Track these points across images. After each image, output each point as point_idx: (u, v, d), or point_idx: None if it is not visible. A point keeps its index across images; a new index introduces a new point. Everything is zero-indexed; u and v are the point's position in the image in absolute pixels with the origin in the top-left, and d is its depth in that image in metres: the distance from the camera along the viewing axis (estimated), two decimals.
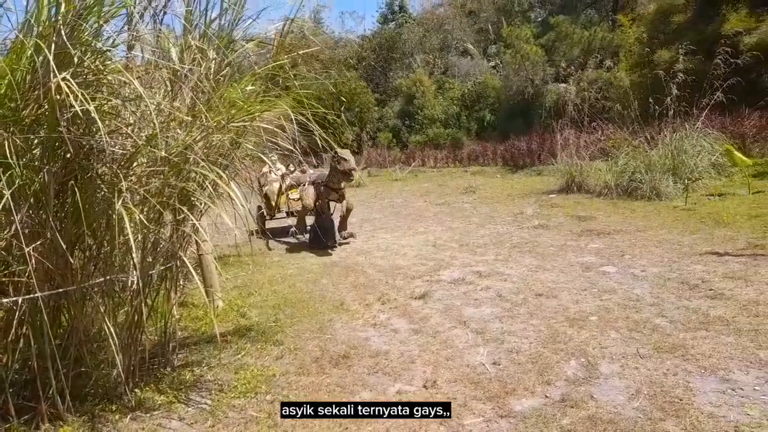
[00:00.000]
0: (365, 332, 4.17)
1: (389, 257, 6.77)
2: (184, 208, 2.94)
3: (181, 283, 3.60)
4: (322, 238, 7.44)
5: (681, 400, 2.74)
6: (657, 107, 10.80)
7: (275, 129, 2.97)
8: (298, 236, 8.44)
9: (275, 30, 3.34)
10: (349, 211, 7.82)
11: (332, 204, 7.90)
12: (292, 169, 9.47)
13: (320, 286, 5.70)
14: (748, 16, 16.41)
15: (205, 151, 2.95)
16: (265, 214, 8.83)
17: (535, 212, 9.07)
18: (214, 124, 2.76)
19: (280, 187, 8.94)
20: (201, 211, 3.29)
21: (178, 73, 2.89)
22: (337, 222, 7.91)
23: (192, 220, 3.02)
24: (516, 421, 2.71)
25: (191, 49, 3.01)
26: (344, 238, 7.88)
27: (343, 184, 7.36)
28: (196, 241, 3.91)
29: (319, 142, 3.27)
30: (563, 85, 23.21)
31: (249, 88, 3.22)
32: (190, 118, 2.82)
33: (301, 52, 3.40)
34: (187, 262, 2.88)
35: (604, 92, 20.57)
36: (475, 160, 20.40)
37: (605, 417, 2.66)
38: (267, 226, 8.72)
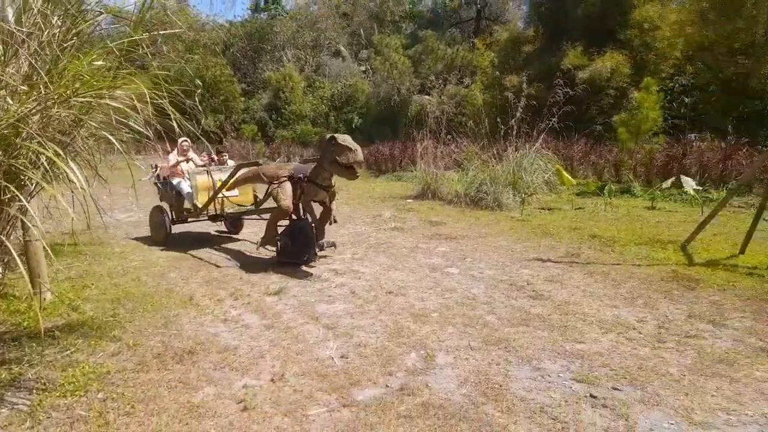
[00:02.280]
0: (214, 328, 4.07)
1: (244, 251, 6.63)
2: (12, 186, 2.62)
3: (0, 271, 3.20)
4: (296, 249, 5.87)
5: (500, 386, 3.12)
6: (504, 126, 11.99)
7: (127, 109, 2.77)
8: (266, 247, 6.40)
9: (134, 3, 3.13)
10: (330, 213, 6.19)
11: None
12: (216, 158, 7.94)
13: (168, 280, 5.41)
14: (583, 54, 18.88)
15: (41, 125, 2.67)
16: (170, 216, 7.15)
17: (393, 215, 9.51)
18: (55, 96, 2.51)
19: (211, 181, 7.04)
20: (31, 192, 2.96)
21: (14, 36, 2.58)
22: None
23: (20, 201, 2.71)
24: (357, 409, 2.87)
25: (32, 12, 2.71)
26: (321, 249, 6.22)
27: (334, 181, 5.88)
28: (23, 225, 3.50)
29: (176, 126, 3.13)
30: (427, 96, 24.61)
31: (98, 63, 2.97)
32: (25, 88, 2.53)
33: (162, 33, 3.23)
34: (10, 247, 2.57)
35: (461, 108, 22.23)
36: None
37: (437, 403, 2.93)
38: (171, 231, 7.09)
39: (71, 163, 2.43)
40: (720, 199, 7.92)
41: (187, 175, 7.15)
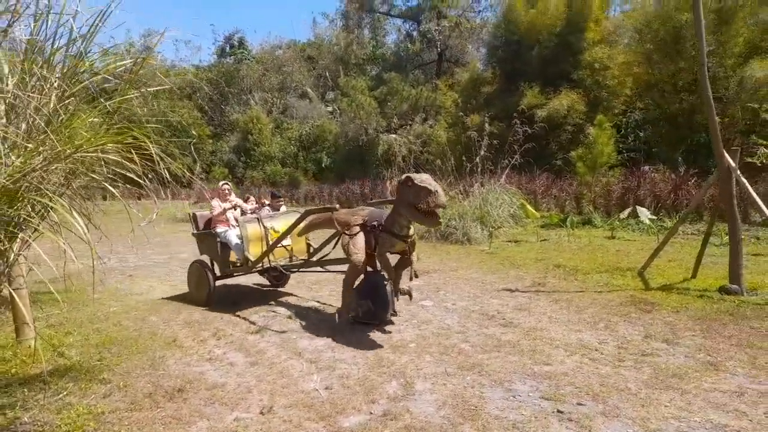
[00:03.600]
0: (200, 366, 4.20)
1: (224, 294, 6.75)
2: (8, 236, 2.79)
3: None
4: (375, 309, 5.15)
5: (476, 407, 3.36)
6: (469, 163, 12.54)
7: (122, 160, 3.00)
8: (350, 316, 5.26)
9: (125, 65, 3.40)
10: (409, 265, 5.11)
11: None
12: (265, 202, 7.14)
13: (149, 323, 5.50)
14: (540, 94, 19.92)
15: (42, 179, 2.87)
16: (215, 270, 6.32)
17: None
18: (61, 150, 2.73)
19: (263, 229, 6.15)
20: (28, 242, 3.12)
21: (17, 99, 2.80)
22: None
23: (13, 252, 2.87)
24: None
25: (32, 76, 2.95)
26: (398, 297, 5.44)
27: (413, 230, 4.97)
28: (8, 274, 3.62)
29: (165, 175, 3.36)
30: (394, 135, 25.36)
31: (93, 120, 3.21)
32: (30, 145, 2.74)
33: (151, 89, 3.50)
34: (14, 295, 2.71)
35: (426, 146, 22.96)
36: (312, 200, 20.93)
37: (418, 425, 3.14)
38: (214, 288, 6.22)
39: (74, 213, 2.63)
40: (670, 227, 8.50)
41: (233, 223, 6.35)
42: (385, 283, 5.22)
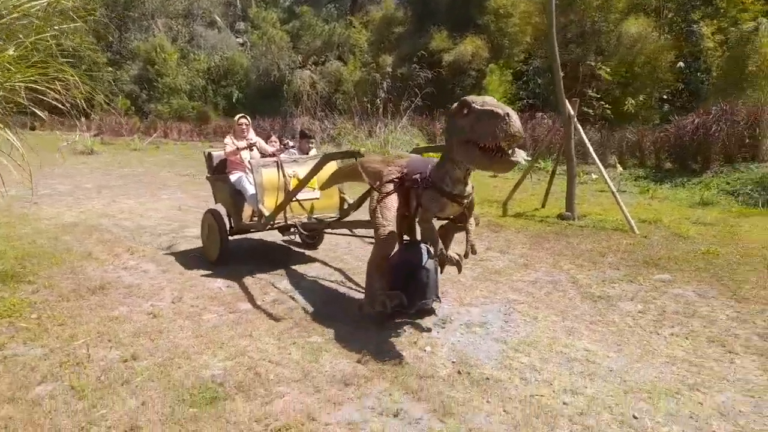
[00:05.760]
0: (117, 273, 4.91)
1: (134, 219, 7.31)
2: None
3: None
4: (409, 294, 3.72)
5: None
6: (374, 104, 13.38)
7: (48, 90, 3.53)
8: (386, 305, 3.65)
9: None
10: (466, 233, 3.63)
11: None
12: (289, 143, 5.96)
13: (63, 242, 6.01)
14: (448, 38, 20.80)
15: None
16: (228, 222, 5.30)
17: None
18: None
19: (282, 177, 5.04)
20: None
21: None
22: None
23: None
24: (239, 314, 3.97)
25: None
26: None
27: (470, 186, 3.48)
28: None
29: (81, 104, 3.91)
30: (307, 71, 25.38)
31: (13, 52, 3.67)
32: None
33: (64, 27, 3.97)
34: None
35: (338, 85, 23.34)
36: (222, 135, 20.76)
37: (294, 305, 4.13)
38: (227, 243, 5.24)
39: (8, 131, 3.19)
40: (545, 168, 10.01)
41: (249, 167, 5.16)
42: (428, 259, 3.88)
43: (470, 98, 3.05)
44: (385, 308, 3.62)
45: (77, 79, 3.45)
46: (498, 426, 2.57)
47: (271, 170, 5.02)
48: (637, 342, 3.48)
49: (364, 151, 4.16)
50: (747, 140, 10.21)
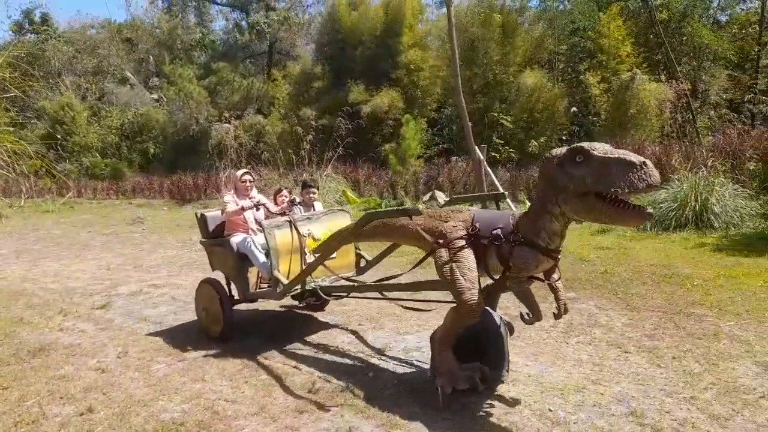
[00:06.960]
0: (54, 335, 4.87)
1: (61, 281, 7.14)
2: None
3: None
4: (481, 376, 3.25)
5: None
6: (299, 155, 13.84)
7: None
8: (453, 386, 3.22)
9: None
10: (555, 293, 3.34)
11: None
12: (295, 199, 4.99)
13: None
14: (365, 91, 21.91)
15: None
16: (230, 293, 4.72)
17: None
18: None
19: (296, 237, 4.44)
20: None
21: None
22: None
23: None
24: (188, 362, 4.12)
25: None
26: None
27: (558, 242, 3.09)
28: None
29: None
30: (227, 125, 25.50)
31: None
32: None
33: None
34: None
35: (259, 137, 23.65)
36: (140, 192, 20.23)
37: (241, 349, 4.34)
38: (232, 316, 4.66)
39: None
40: None
41: (256, 227, 4.68)
42: (499, 324, 3.56)
43: (585, 145, 2.75)
44: (475, 385, 3.16)
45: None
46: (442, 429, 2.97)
47: (284, 231, 4.39)
48: (550, 351, 4.04)
49: (423, 208, 3.62)
50: None
